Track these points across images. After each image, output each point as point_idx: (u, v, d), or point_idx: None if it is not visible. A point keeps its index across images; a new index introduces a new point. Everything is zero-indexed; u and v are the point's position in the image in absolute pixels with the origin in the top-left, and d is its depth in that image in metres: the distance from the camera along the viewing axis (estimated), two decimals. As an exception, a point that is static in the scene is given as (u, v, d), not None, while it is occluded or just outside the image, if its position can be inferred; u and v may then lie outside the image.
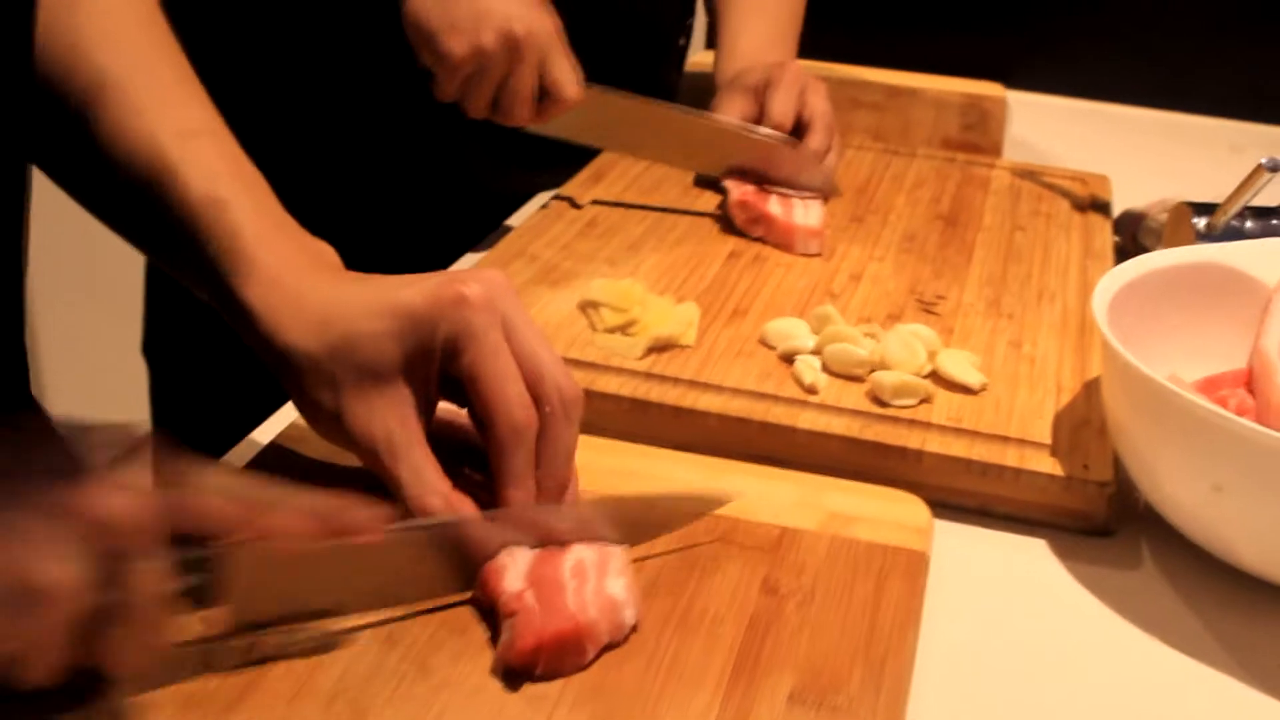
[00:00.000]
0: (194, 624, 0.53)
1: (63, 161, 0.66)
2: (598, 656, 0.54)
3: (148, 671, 0.49)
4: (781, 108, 1.02)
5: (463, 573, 0.58)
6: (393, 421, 0.58)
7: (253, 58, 1.06)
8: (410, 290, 0.58)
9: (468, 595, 0.57)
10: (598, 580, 0.55)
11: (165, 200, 0.61)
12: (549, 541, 0.58)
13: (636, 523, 0.61)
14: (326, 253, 0.63)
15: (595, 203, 1.00)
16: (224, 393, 1.13)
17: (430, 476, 0.58)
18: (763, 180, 1.00)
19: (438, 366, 0.58)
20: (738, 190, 0.97)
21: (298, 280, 0.60)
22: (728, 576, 0.60)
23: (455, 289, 0.57)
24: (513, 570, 0.56)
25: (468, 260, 0.96)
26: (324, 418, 0.59)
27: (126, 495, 0.46)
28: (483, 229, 1.02)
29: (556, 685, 0.53)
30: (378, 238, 1.13)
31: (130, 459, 0.48)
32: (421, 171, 1.11)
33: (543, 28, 0.91)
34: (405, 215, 1.12)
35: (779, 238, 0.94)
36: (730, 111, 1.04)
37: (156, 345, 1.18)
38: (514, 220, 1.03)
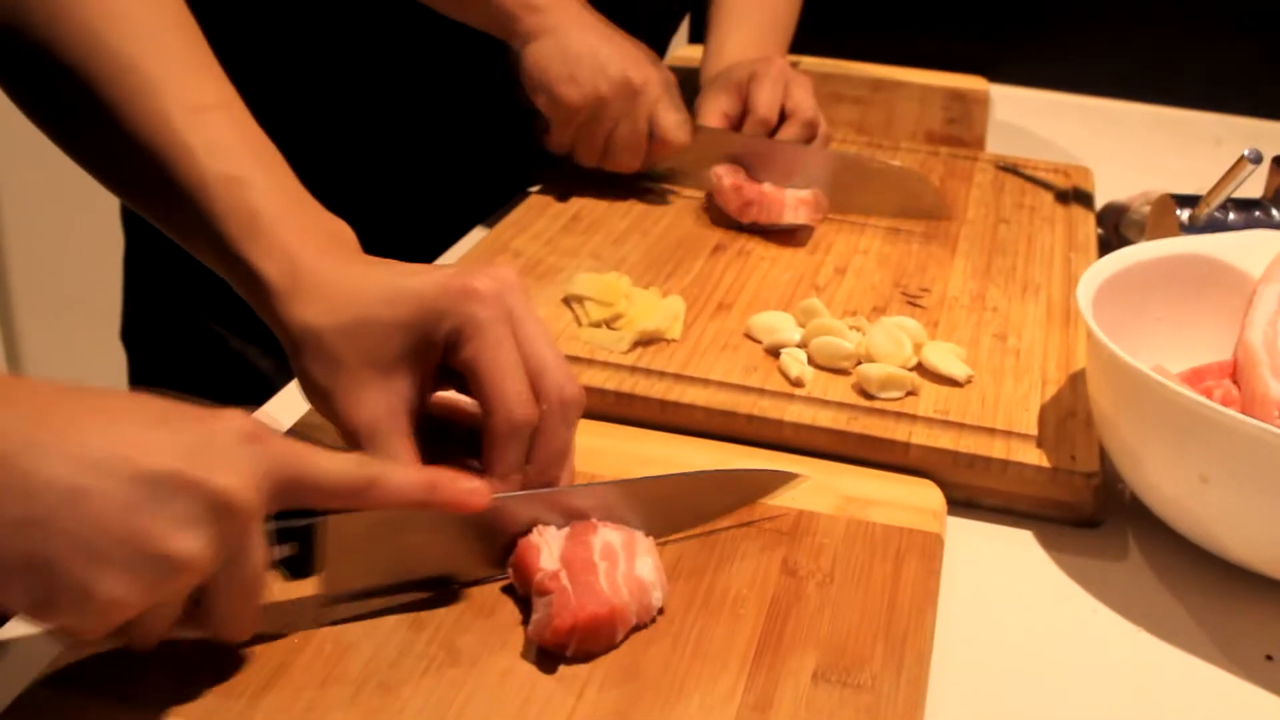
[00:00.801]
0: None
1: (86, 143, 0.65)
2: (626, 637, 0.55)
3: (242, 635, 0.51)
4: (766, 100, 1.03)
5: (488, 552, 0.59)
6: (381, 410, 0.58)
7: (240, 52, 1.05)
8: (421, 279, 0.59)
9: (505, 574, 0.59)
10: (627, 562, 0.56)
11: (182, 177, 0.61)
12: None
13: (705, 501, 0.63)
14: (343, 231, 0.63)
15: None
16: (202, 381, 1.13)
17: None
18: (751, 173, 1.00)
19: (438, 358, 0.59)
20: (730, 176, 0.97)
21: (314, 259, 0.60)
22: (747, 558, 0.61)
23: (464, 281, 0.58)
24: (546, 550, 0.56)
25: (451, 255, 0.96)
26: (317, 393, 0.60)
27: (249, 468, 0.48)
28: (465, 224, 1.02)
29: (585, 667, 0.54)
30: (362, 232, 1.13)
31: (248, 443, 0.49)
32: (405, 167, 1.11)
33: (656, 78, 0.95)
34: (389, 210, 1.11)
35: (770, 211, 0.94)
36: (714, 107, 1.05)
37: (135, 333, 1.18)
38: (497, 216, 1.03)
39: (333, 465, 0.51)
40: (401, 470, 0.54)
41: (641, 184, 1.01)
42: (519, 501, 0.58)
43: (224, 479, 0.47)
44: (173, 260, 1.13)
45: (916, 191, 0.99)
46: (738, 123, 1.05)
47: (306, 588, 0.55)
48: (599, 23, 0.96)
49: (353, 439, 0.59)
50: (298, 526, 0.53)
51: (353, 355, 0.58)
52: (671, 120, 0.97)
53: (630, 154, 0.97)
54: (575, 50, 0.93)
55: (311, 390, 0.60)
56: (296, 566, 0.54)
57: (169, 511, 0.46)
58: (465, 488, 0.54)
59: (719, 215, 0.97)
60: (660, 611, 0.57)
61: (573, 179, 1.01)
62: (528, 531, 0.58)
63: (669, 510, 0.62)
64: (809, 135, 1.04)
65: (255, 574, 0.49)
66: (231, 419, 0.49)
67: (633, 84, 0.93)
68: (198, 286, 1.12)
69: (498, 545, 0.58)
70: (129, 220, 1.16)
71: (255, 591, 0.50)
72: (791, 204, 0.94)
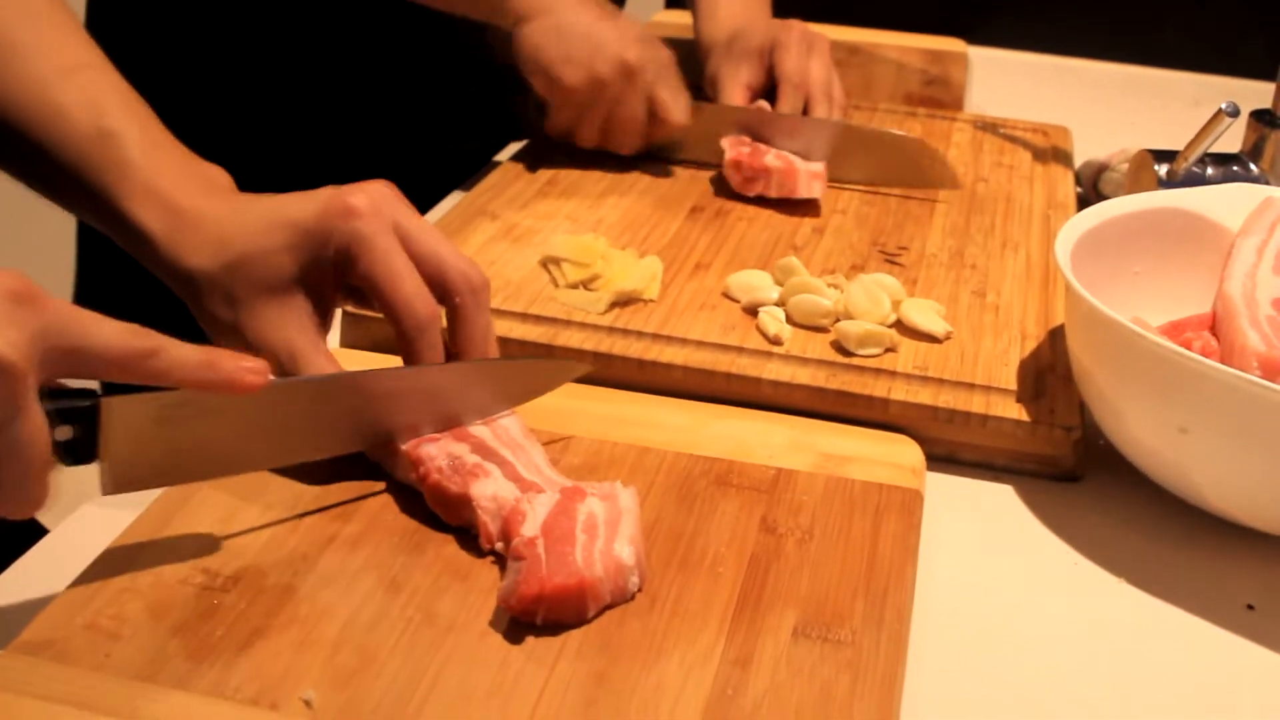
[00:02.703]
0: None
1: None
2: (599, 614, 0.54)
3: (26, 509, 0.49)
4: (796, 68, 1.01)
5: (359, 431, 0.60)
6: (291, 330, 0.61)
7: (211, 27, 1.04)
8: (300, 205, 0.61)
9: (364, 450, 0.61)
10: (607, 540, 0.55)
11: (56, 136, 0.62)
12: (439, 405, 0.61)
13: (498, 386, 0.64)
14: (218, 175, 0.65)
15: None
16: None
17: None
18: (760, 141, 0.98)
19: (331, 274, 0.61)
20: (733, 150, 0.94)
21: (192, 203, 0.62)
22: (726, 517, 0.61)
23: (343, 200, 0.60)
24: (531, 516, 0.56)
25: (428, 219, 0.95)
26: (223, 330, 0.61)
27: (16, 329, 0.46)
28: (442, 189, 1.01)
29: (563, 628, 0.53)
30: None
31: (19, 304, 0.47)
32: (380, 132, 1.10)
33: (655, 57, 0.94)
34: (365, 175, 1.10)
35: (781, 185, 0.92)
36: (736, 80, 1.03)
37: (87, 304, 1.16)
38: (473, 180, 1.02)
39: (110, 331, 0.50)
40: (184, 345, 0.52)
41: (645, 161, 0.99)
42: (308, 385, 0.59)
43: None
44: (125, 279, 1.12)
45: (925, 162, 0.97)
46: (761, 93, 1.03)
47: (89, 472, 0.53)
48: (592, 2, 0.94)
49: (275, 364, 0.60)
50: (78, 407, 0.51)
51: (247, 287, 0.61)
52: (671, 100, 0.95)
53: (630, 135, 0.96)
54: (570, 30, 0.92)
55: (216, 328, 0.62)
56: (78, 450, 0.52)
57: None
58: (242, 365, 0.53)
59: (724, 187, 0.95)
60: (638, 590, 0.56)
61: (552, 144, 1.00)
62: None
63: (469, 396, 0.62)
64: (832, 110, 1.03)
65: (32, 440, 0.47)
66: (2, 278, 0.47)
67: (630, 64, 0.92)
68: (147, 305, 1.11)
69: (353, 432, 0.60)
70: (83, 245, 1.14)
71: (35, 460, 0.48)
72: (805, 179, 0.92)
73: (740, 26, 1.07)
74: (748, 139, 0.97)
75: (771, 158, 0.93)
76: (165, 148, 0.63)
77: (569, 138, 0.97)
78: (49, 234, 1.32)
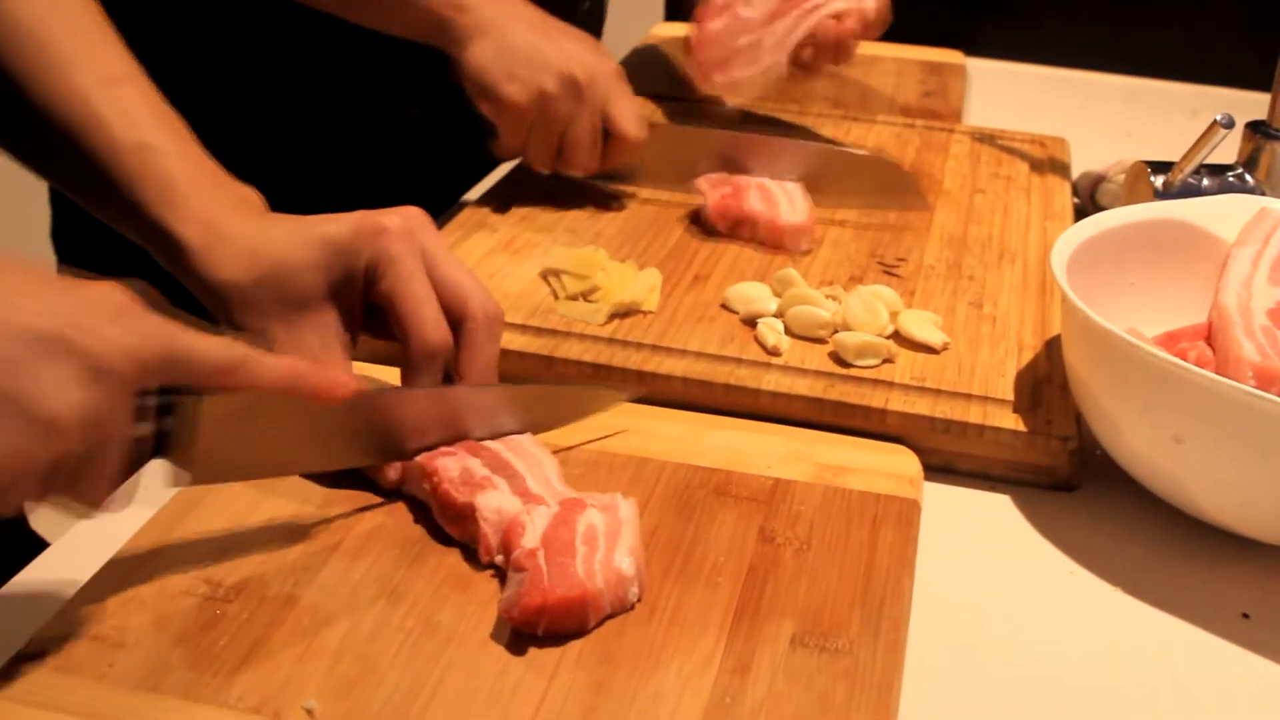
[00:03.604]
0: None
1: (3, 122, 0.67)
2: (599, 624, 0.55)
3: (99, 505, 0.51)
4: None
5: (388, 445, 0.62)
6: (315, 345, 0.62)
7: (210, 39, 1.05)
8: (334, 224, 0.63)
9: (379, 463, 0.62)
10: (607, 550, 0.56)
11: (96, 147, 0.63)
12: (457, 425, 0.63)
13: (536, 412, 0.66)
14: (251, 194, 0.66)
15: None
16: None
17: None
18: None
19: (360, 293, 0.63)
20: (714, 194, 0.90)
21: (228, 218, 0.63)
22: (724, 527, 0.61)
23: (376, 220, 0.62)
24: (530, 528, 0.56)
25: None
26: (251, 341, 0.61)
27: (127, 337, 0.49)
28: (443, 202, 1.02)
29: (563, 637, 0.54)
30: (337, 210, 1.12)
31: (123, 314, 0.50)
32: (380, 146, 1.10)
33: (603, 70, 0.90)
34: (365, 189, 1.11)
35: (767, 238, 0.88)
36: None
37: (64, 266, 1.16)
38: (473, 193, 1.02)
39: (205, 343, 0.52)
40: (271, 356, 0.55)
41: (612, 188, 0.97)
42: (393, 397, 0.62)
43: (101, 345, 0.48)
44: (100, 238, 1.12)
45: (894, 182, 0.96)
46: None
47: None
48: (536, 15, 0.91)
49: None
50: (171, 403, 0.53)
51: (277, 301, 0.62)
52: (624, 115, 0.91)
53: (586, 153, 0.91)
54: (513, 47, 0.88)
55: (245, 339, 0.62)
56: (168, 444, 0.54)
57: (47, 372, 0.46)
58: (329, 376, 0.56)
59: (707, 226, 0.91)
60: (638, 600, 0.56)
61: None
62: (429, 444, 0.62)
63: (523, 415, 0.65)
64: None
65: (120, 443, 0.50)
66: (110, 290, 0.50)
67: (578, 79, 0.88)
68: (126, 262, 1.11)
69: (388, 445, 0.61)
70: (56, 199, 1.15)
71: (117, 460, 0.50)
72: (791, 235, 0.88)
73: None
74: (725, 175, 0.93)
75: (754, 198, 0.90)
76: (201, 164, 0.65)
77: (524, 160, 0.94)
78: (24, 198, 1.32)
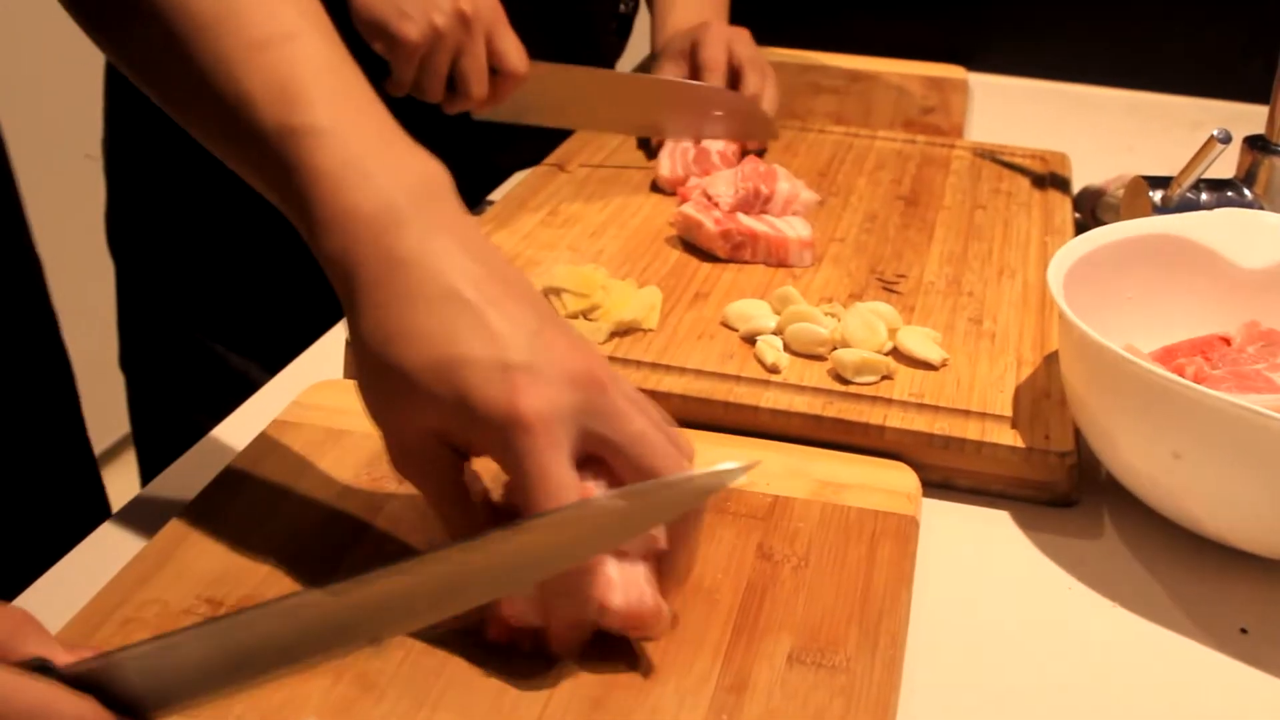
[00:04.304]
0: None
1: (170, 90, 0.58)
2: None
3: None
4: (712, 56, 1.08)
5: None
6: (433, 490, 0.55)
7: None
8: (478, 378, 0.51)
9: None
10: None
11: (236, 131, 0.54)
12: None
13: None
14: (431, 179, 0.55)
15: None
16: (203, 401, 1.13)
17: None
18: (701, 136, 1.04)
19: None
20: (709, 218, 0.89)
21: (372, 252, 0.52)
22: (723, 544, 0.61)
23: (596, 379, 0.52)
24: None
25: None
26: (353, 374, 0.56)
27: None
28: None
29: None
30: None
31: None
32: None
33: (489, 5, 0.94)
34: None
35: (771, 254, 0.88)
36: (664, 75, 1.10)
37: (133, 358, 1.17)
38: (474, 212, 1.03)
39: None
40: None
41: (502, 123, 1.01)
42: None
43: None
44: (165, 281, 1.13)
45: (747, 112, 1.06)
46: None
47: None
48: None
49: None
50: None
51: (383, 386, 0.53)
52: (510, 48, 0.95)
53: (478, 84, 0.94)
54: None
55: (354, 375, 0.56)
56: None
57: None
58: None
59: (717, 255, 0.89)
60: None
61: (551, 174, 1.01)
62: None
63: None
64: (763, 83, 1.09)
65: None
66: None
67: (465, 12, 0.92)
68: (192, 306, 1.12)
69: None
70: (116, 244, 1.16)
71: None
72: (796, 250, 0.88)
73: (671, 35, 1.15)
74: (714, 204, 0.92)
75: (754, 221, 0.90)
76: (368, 142, 0.54)
77: (416, 94, 0.95)
78: (78, 81, 1.32)
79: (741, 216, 0.90)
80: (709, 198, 0.93)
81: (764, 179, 0.93)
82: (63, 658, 0.44)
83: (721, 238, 0.89)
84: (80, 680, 0.44)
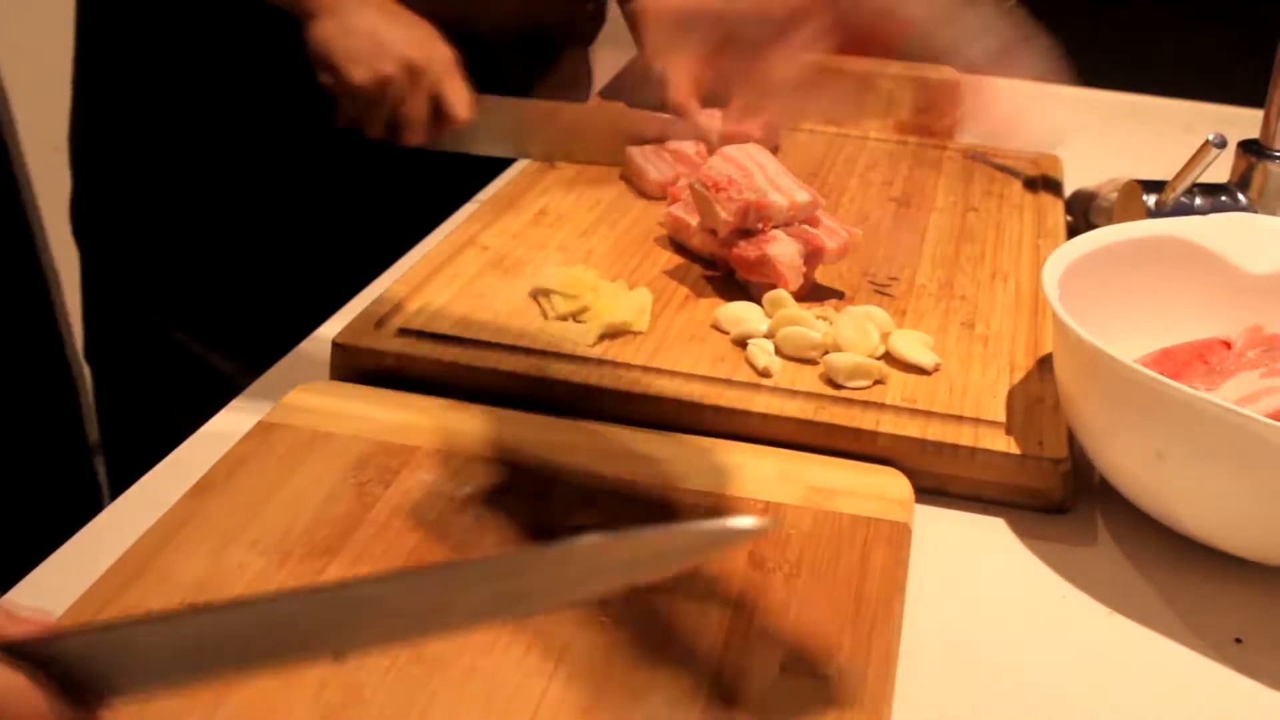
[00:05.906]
0: None
1: None
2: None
3: None
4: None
5: None
6: None
7: (211, 48, 1.05)
8: None
9: None
10: None
11: None
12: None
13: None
14: None
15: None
16: (167, 389, 1.12)
17: None
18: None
19: None
20: (723, 248, 0.85)
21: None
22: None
23: None
24: None
25: (419, 250, 0.95)
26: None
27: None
28: (432, 219, 1.01)
29: (549, 664, 0.53)
30: (328, 226, 1.12)
31: None
32: (369, 166, 1.10)
33: (439, 56, 0.96)
34: (353, 208, 1.11)
35: (768, 273, 0.84)
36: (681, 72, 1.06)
37: (97, 349, 1.17)
38: (464, 210, 1.02)
39: None
40: None
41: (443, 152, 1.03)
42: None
43: None
44: (131, 271, 1.12)
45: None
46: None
47: None
48: (379, 1, 0.97)
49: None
50: None
51: None
52: (457, 98, 0.97)
53: (415, 131, 0.98)
54: (356, 29, 0.95)
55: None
56: None
57: None
58: None
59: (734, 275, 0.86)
60: None
61: (534, 179, 1.00)
62: None
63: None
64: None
65: None
66: None
67: (415, 64, 0.94)
68: (156, 296, 1.12)
69: None
70: (81, 233, 1.15)
71: None
72: (794, 273, 0.83)
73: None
74: (654, 151, 1.01)
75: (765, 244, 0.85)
76: None
77: (358, 128, 0.99)
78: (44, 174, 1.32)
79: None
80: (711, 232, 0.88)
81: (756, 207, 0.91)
82: (7, 627, 0.43)
83: (739, 264, 0.84)
84: (17, 650, 0.42)
